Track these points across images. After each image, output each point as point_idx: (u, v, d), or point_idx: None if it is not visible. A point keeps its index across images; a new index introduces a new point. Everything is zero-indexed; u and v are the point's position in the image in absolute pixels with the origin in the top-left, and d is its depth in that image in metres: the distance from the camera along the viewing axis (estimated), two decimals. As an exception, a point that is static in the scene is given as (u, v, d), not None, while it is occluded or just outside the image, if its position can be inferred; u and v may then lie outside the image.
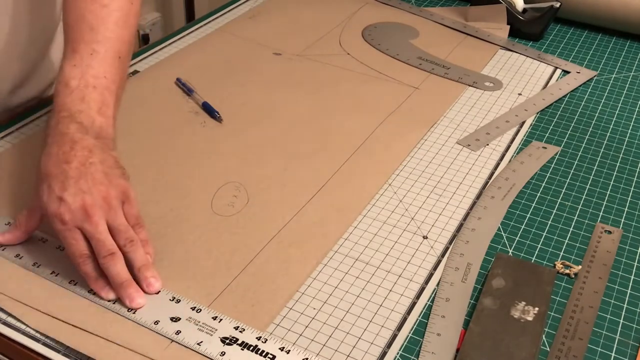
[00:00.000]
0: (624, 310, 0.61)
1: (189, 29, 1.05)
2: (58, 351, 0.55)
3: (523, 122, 0.86)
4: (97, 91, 0.66)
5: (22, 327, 0.56)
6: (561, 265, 0.65)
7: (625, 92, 0.95)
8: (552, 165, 0.79)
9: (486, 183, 0.76)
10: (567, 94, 0.93)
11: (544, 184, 0.76)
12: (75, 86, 0.66)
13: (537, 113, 0.89)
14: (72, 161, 0.60)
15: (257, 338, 0.55)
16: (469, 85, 0.94)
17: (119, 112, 0.70)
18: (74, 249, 0.58)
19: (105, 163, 0.62)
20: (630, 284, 0.64)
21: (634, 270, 0.65)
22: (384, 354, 0.56)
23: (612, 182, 0.77)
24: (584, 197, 0.74)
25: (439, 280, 0.63)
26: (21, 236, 0.63)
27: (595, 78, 0.98)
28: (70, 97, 0.65)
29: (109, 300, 0.58)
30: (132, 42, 0.74)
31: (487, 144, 0.82)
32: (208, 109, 0.85)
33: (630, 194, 0.75)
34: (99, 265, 0.58)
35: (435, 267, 0.64)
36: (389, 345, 0.57)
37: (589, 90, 0.95)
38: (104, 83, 0.67)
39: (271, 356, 0.54)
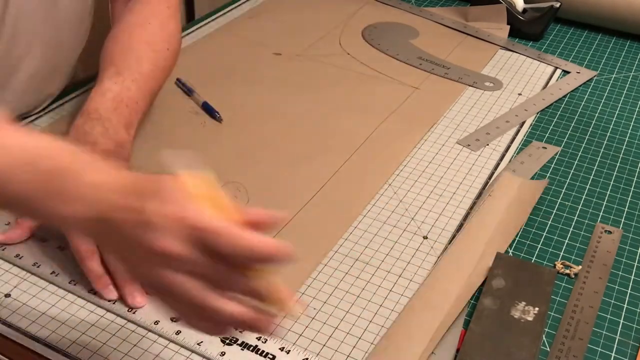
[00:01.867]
0: (624, 310, 0.61)
1: (189, 29, 1.05)
2: (58, 351, 0.55)
3: (523, 122, 0.86)
4: (128, 111, 0.70)
5: (22, 327, 0.56)
6: (561, 265, 0.65)
7: (625, 92, 0.95)
8: (552, 165, 0.79)
9: (486, 183, 0.76)
10: (567, 94, 0.93)
11: (544, 184, 0.76)
12: (112, 98, 0.70)
13: (537, 113, 0.89)
14: None
15: (257, 338, 0.55)
16: (469, 85, 0.94)
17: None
18: (79, 244, 0.58)
19: None
20: (630, 284, 0.64)
21: (634, 270, 0.65)
22: (384, 354, 0.56)
23: (612, 182, 0.77)
24: (584, 197, 0.74)
25: (439, 280, 0.63)
26: (23, 234, 0.63)
27: (595, 78, 0.98)
28: (104, 105, 0.69)
29: (109, 300, 0.58)
30: (159, 90, 0.79)
31: (487, 144, 0.82)
32: (208, 109, 0.85)
33: (630, 194, 0.75)
34: (102, 264, 0.58)
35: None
36: (389, 345, 0.57)
37: (589, 90, 0.95)
38: (135, 108, 0.71)
39: (271, 356, 0.54)
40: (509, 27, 1.07)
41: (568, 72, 0.98)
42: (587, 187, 0.76)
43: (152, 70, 0.76)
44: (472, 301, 0.61)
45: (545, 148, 0.82)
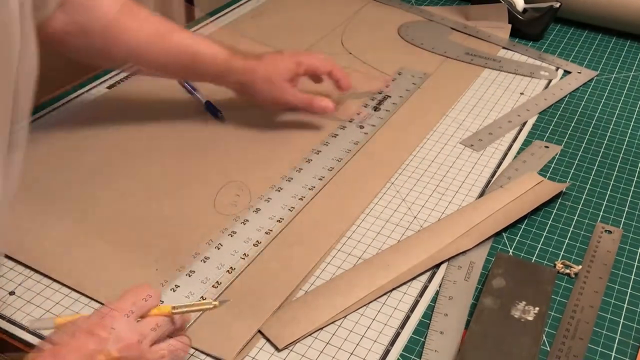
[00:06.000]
0: (624, 310, 0.61)
1: (189, 29, 1.05)
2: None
3: (525, 122, 0.87)
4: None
5: (26, 324, 0.57)
6: (561, 265, 0.65)
7: (625, 92, 0.95)
8: (553, 165, 0.79)
9: (488, 182, 0.76)
10: (568, 94, 0.94)
11: (544, 184, 0.76)
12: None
13: (539, 113, 0.89)
14: None
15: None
16: (526, 76, 0.94)
17: (121, 112, 0.69)
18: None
19: None
20: (631, 284, 0.64)
21: (634, 270, 0.66)
22: (387, 351, 0.56)
23: (612, 182, 0.77)
24: (584, 197, 0.75)
25: (442, 278, 0.63)
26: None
27: (595, 78, 0.98)
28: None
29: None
30: None
31: (490, 144, 0.82)
32: (210, 109, 0.85)
33: (630, 194, 0.76)
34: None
35: (438, 266, 0.65)
36: (392, 343, 0.57)
37: (590, 90, 0.95)
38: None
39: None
40: (510, 26, 1.07)
41: (569, 72, 0.98)
42: (587, 187, 0.76)
43: None
44: (472, 301, 0.61)
45: (548, 147, 0.82)
